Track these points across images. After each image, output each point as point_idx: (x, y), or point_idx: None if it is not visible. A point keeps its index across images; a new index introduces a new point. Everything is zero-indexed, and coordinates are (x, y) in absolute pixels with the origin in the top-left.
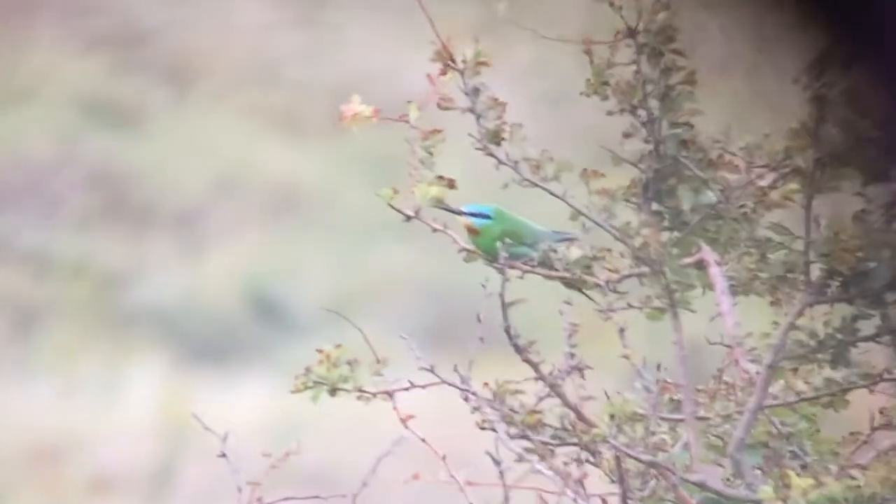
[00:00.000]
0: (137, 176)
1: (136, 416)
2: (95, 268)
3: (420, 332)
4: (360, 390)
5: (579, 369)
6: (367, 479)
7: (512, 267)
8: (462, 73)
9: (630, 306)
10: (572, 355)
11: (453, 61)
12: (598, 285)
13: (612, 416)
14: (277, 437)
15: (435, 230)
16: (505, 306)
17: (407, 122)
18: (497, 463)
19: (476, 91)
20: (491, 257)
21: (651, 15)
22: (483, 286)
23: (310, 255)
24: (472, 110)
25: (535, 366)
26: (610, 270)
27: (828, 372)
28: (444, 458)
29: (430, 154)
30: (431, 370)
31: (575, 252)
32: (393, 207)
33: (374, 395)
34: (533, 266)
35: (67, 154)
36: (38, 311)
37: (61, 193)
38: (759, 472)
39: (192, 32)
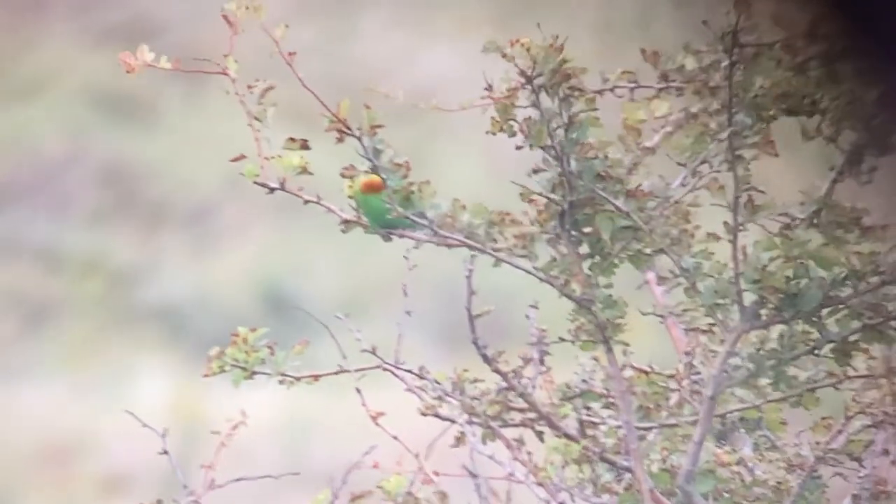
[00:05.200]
0: (149, 172)
1: (147, 413)
2: (107, 265)
3: (431, 331)
4: (283, 374)
5: (542, 369)
6: (337, 491)
7: (402, 237)
8: (359, 138)
9: (562, 340)
10: (541, 360)
11: (348, 129)
12: (504, 250)
13: (558, 455)
14: (289, 434)
15: (307, 202)
16: (472, 318)
17: (226, 74)
18: (474, 476)
19: (377, 153)
20: (379, 223)
21: (544, 60)
22: (406, 258)
23: (323, 252)
24: (375, 172)
25: (504, 375)
26: (518, 237)
27: (792, 370)
28: (417, 455)
29: (264, 108)
30: (373, 352)
31: (476, 217)
32: (258, 183)
33: (298, 379)
34: (430, 235)
35: (78, 150)
36: (49, 308)
37: (72, 189)
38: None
39: (205, 26)
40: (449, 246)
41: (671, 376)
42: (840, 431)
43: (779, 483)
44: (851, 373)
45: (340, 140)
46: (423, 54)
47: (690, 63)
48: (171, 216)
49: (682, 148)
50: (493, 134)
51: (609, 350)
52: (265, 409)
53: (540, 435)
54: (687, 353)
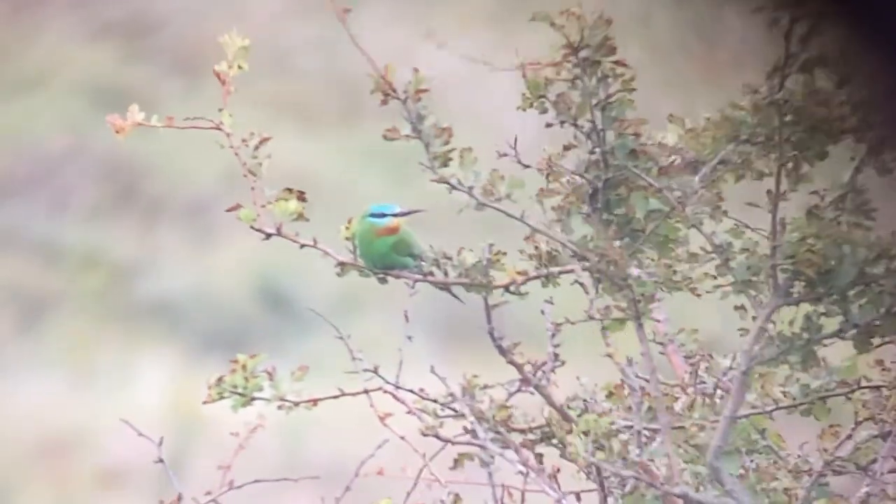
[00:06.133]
0: (148, 167)
1: (145, 408)
2: (106, 259)
3: (429, 329)
4: (282, 399)
5: (557, 362)
6: (350, 483)
7: (398, 277)
8: (404, 101)
9: (590, 318)
10: (556, 356)
11: (393, 91)
12: (501, 287)
13: (585, 434)
14: (287, 429)
15: (303, 246)
16: (488, 309)
17: (220, 129)
18: (486, 465)
19: (420, 118)
20: (377, 265)
21: (592, 31)
22: (408, 285)
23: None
24: (418, 137)
25: (519, 367)
26: (518, 273)
27: (805, 378)
28: (424, 455)
29: (259, 162)
30: (375, 371)
31: (470, 257)
32: (254, 228)
33: (297, 404)
34: (425, 275)
35: (78, 144)
36: (48, 302)
37: (71, 184)
38: (737, 478)
39: (204, 21)
40: (446, 284)
41: (676, 385)
42: (849, 437)
43: (786, 489)
44: (864, 383)
45: (385, 102)
46: (421, 51)
47: (672, 139)
48: (170, 211)
49: (702, 147)
50: (524, 110)
51: (640, 327)
52: (265, 408)
53: (539, 457)
54: (692, 364)
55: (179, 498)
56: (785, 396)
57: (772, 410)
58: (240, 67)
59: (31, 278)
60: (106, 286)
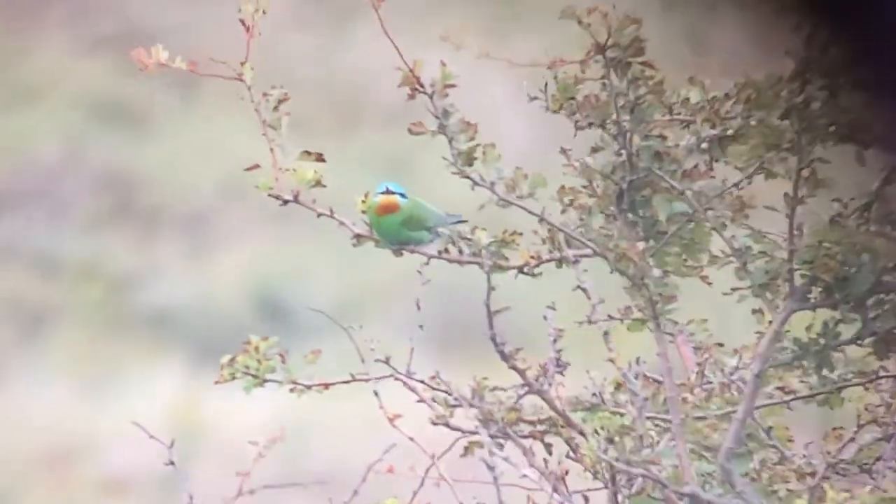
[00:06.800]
0: (146, 178)
1: (146, 417)
2: (104, 270)
3: (428, 335)
4: (294, 382)
5: (559, 367)
6: (358, 488)
7: (413, 252)
8: (431, 96)
9: (610, 318)
10: (558, 360)
11: (421, 85)
12: (514, 269)
13: (601, 429)
14: (289, 435)
15: (320, 215)
16: (490, 314)
17: (241, 80)
18: (491, 469)
19: (446, 114)
20: (391, 241)
21: (619, 30)
22: (419, 272)
23: (319, 256)
24: (443, 132)
25: (521, 373)
26: (531, 257)
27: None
28: (433, 457)
29: (279, 117)
30: (386, 362)
31: (484, 237)
32: (272, 195)
33: (309, 387)
34: (440, 252)
35: (75, 156)
36: (48, 314)
37: (69, 196)
38: (748, 479)
39: (200, 35)
40: (461, 263)
41: (682, 385)
42: (853, 439)
43: (790, 490)
44: (883, 373)
45: (412, 97)
46: (419, 58)
47: (696, 96)
48: (168, 222)
49: (740, 153)
50: (555, 112)
51: (658, 327)
52: (265, 411)
53: (548, 447)
54: (699, 364)
55: (191, 499)
56: (802, 385)
57: (790, 400)
58: (264, 12)
59: (31, 290)
60: (105, 297)
